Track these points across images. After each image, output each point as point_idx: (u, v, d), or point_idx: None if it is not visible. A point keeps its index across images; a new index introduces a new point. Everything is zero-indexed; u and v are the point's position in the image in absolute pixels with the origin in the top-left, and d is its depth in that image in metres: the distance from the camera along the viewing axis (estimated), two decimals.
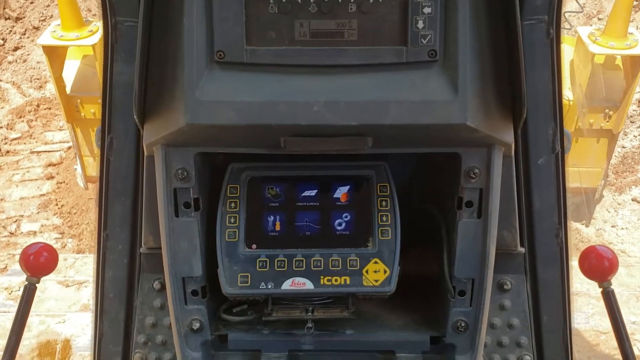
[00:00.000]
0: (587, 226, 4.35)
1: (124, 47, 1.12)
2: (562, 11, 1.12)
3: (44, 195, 5.07)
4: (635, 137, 5.04)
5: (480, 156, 1.05)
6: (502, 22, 1.02)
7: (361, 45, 0.99)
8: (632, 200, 4.61)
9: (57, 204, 4.95)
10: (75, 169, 4.60)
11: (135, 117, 1.04)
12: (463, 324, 1.11)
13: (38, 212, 4.93)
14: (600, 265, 1.21)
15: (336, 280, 1.09)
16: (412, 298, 1.22)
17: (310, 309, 1.13)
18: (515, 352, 1.25)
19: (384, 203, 1.12)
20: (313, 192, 1.15)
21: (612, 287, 1.21)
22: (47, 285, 3.47)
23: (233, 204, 1.13)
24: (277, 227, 1.13)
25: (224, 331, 1.17)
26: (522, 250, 1.21)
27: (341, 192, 1.14)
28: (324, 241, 1.12)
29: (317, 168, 1.15)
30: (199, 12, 0.98)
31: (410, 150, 1.07)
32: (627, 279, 3.29)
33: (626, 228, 4.41)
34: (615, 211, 4.55)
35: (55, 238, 4.67)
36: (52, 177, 5.17)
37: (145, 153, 1.11)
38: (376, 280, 1.09)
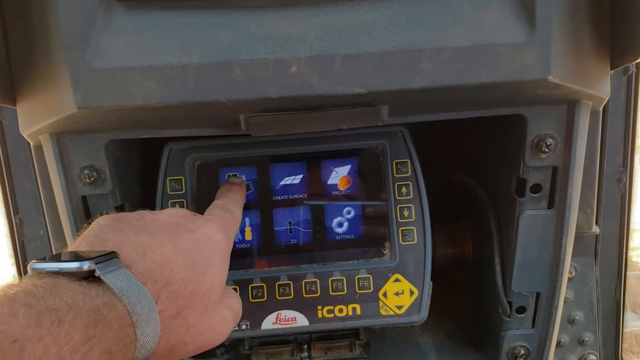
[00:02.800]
0: None
1: None
2: None
3: None
4: None
5: (558, 118, 0.66)
6: None
7: None
8: None
9: None
10: None
11: None
12: (523, 352, 0.78)
13: None
14: None
15: (341, 311, 0.74)
16: (440, 298, 0.88)
17: (305, 347, 0.79)
18: (576, 352, 0.95)
19: (404, 190, 0.75)
20: (297, 178, 0.76)
21: None
22: None
23: (178, 206, 0.75)
24: (248, 236, 0.76)
25: None
26: (597, 230, 0.86)
27: (339, 176, 0.76)
28: (319, 253, 0.75)
29: (299, 141, 0.75)
30: None
31: (445, 117, 0.68)
32: None
33: None
34: None
35: None
36: None
37: (31, 142, 0.71)
38: (399, 307, 0.74)
